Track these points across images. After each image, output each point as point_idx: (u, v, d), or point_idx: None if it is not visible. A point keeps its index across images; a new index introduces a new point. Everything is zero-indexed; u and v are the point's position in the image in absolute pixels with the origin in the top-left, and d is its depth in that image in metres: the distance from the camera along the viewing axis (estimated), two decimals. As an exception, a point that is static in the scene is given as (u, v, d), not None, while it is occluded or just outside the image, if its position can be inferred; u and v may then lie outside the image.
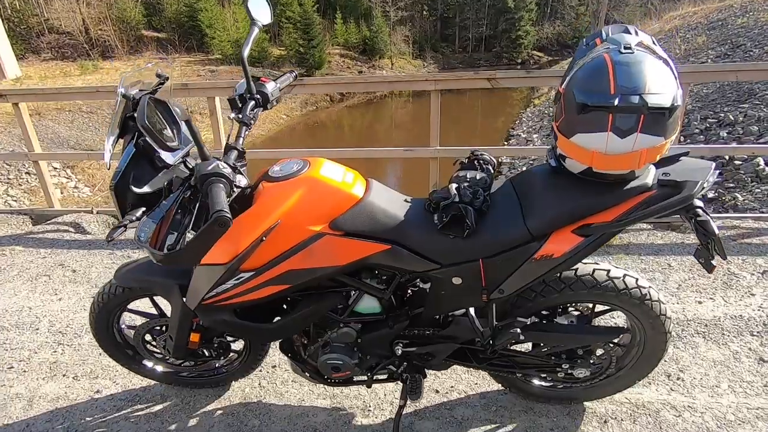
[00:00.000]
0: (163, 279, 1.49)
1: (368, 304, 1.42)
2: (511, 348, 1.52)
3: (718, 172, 1.17)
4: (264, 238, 1.19)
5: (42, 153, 4.07)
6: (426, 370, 1.56)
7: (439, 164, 3.49)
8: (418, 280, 1.42)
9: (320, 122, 20.10)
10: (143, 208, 1.22)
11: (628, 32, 1.12)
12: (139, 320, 1.74)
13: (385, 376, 1.58)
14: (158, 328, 1.69)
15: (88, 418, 1.80)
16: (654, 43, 1.10)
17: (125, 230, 1.18)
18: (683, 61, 11.36)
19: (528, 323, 1.36)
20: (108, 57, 21.16)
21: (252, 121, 1.36)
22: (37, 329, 2.37)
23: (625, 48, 1.04)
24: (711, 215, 1.13)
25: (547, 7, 28.80)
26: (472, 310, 1.38)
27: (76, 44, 21.61)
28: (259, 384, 1.92)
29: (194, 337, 1.57)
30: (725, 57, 10.07)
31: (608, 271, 1.36)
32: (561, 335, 1.41)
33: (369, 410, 1.76)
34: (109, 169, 1.21)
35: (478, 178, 1.28)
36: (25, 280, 2.87)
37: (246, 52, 1.34)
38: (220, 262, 1.21)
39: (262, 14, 1.41)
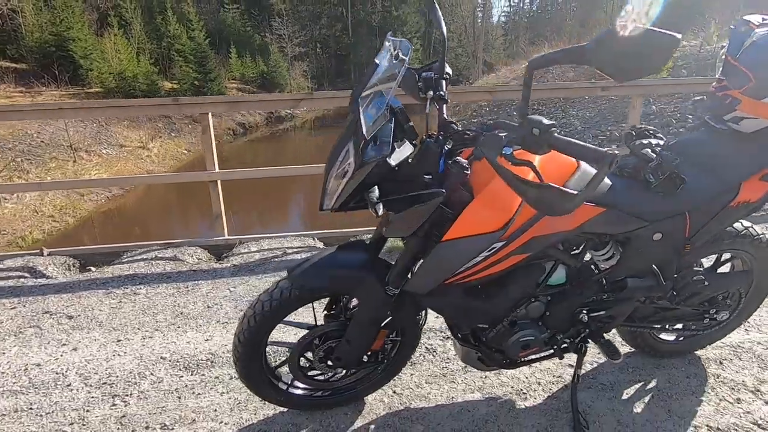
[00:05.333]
0: (352, 272, 1.35)
1: (559, 275, 1.46)
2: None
3: None
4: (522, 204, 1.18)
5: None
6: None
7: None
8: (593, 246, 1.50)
9: (224, 157, 19.13)
10: (376, 186, 1.14)
11: None
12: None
13: (551, 350, 1.60)
14: (316, 340, 1.49)
15: (216, 467, 1.49)
16: None
17: (380, 206, 1.09)
18: (562, 92, 13.41)
19: (703, 270, 1.54)
20: (-54, 89, 17.67)
21: (448, 98, 1.37)
22: (69, 386, 1.88)
23: None
24: None
25: (430, 49, 31.86)
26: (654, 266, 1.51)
27: None
28: (394, 392, 1.79)
29: (383, 335, 1.44)
30: (595, 88, 12.17)
31: (741, 222, 1.61)
32: (727, 280, 1.62)
33: (523, 393, 1.75)
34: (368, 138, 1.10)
35: (661, 143, 1.44)
36: (4, 336, 2.26)
37: (446, 33, 1.35)
38: (488, 230, 1.17)
39: None
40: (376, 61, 1.16)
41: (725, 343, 1.98)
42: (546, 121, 0.98)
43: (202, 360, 2.02)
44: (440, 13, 1.38)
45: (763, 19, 1.41)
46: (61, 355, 2.09)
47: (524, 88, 1.02)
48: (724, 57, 1.41)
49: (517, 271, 1.34)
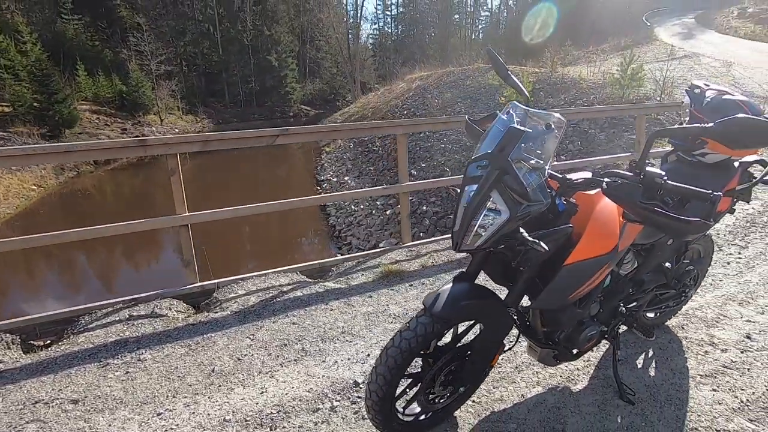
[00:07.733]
0: (478, 301, 1.56)
1: (607, 279, 1.88)
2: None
3: None
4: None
5: None
6: None
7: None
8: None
9: (85, 190, 16.63)
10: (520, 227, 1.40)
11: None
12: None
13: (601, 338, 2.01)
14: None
15: None
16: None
17: (542, 243, 1.34)
18: (442, 112, 14.80)
19: (689, 262, 2.11)
20: None
21: None
22: (138, 474, 1.68)
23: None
24: None
25: (305, 68, 32.09)
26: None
27: None
28: (474, 401, 2.01)
29: (501, 350, 1.66)
30: (471, 107, 13.75)
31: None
32: (700, 266, 2.21)
33: (572, 379, 2.13)
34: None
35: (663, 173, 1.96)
36: (-1, 440, 1.87)
37: (528, 94, 1.66)
38: (604, 252, 1.49)
39: None
40: (520, 127, 1.38)
41: (678, 314, 2.65)
42: (663, 173, 1.36)
43: (273, 413, 1.97)
44: (517, 80, 1.69)
45: (706, 85, 2.04)
46: (100, 445, 1.83)
47: (645, 148, 1.39)
48: (689, 110, 2.00)
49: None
